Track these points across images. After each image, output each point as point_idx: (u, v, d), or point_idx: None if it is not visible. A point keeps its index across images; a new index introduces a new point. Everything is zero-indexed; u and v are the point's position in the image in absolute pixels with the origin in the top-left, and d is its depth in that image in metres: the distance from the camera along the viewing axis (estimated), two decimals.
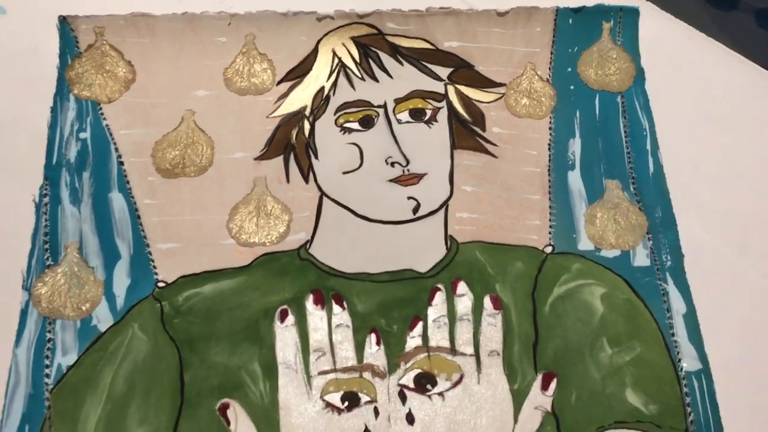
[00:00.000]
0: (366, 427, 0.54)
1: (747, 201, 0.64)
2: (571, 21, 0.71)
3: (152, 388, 0.55)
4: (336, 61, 0.68)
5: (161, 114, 0.66)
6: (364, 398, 0.55)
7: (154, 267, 0.60)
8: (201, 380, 0.55)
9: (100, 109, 0.66)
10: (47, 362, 0.56)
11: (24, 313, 0.57)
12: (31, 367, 0.55)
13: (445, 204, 0.63)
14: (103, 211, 0.61)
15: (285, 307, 0.58)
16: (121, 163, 0.63)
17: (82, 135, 0.64)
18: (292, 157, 0.65)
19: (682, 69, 0.70)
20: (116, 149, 0.64)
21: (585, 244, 0.62)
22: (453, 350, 0.57)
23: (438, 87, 0.67)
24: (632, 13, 0.71)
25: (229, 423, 0.54)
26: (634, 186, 0.64)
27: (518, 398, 0.56)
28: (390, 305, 0.59)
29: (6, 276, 0.58)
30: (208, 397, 0.55)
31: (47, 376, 0.55)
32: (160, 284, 0.59)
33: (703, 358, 0.57)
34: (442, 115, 0.66)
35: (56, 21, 0.68)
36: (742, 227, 0.63)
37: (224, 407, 0.55)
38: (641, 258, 0.61)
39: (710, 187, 0.65)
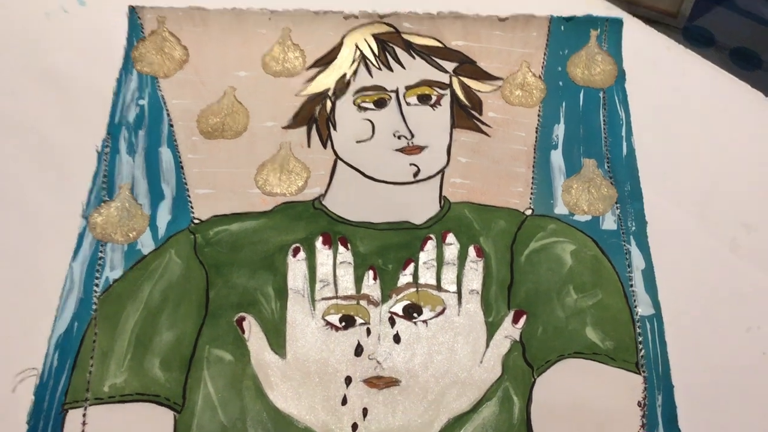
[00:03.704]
0: (359, 343, 0.63)
1: (708, 181, 0.73)
2: (563, 28, 0.82)
3: (182, 301, 0.65)
4: (358, 53, 0.79)
5: (208, 89, 0.78)
6: (359, 320, 0.64)
7: (192, 207, 0.71)
8: (223, 297, 0.66)
9: (158, 82, 0.78)
10: (97, 275, 0.66)
11: (81, 236, 0.68)
12: (83, 278, 0.66)
13: (441, 171, 0.73)
14: (153, 161, 0.73)
15: (298, 245, 0.68)
16: (171, 126, 0.75)
17: (140, 102, 0.77)
18: (314, 127, 0.76)
19: (659, 72, 0.80)
20: (168, 114, 0.76)
21: (561, 209, 0.71)
22: (439, 287, 0.66)
23: (444, 78, 0.78)
24: (617, 23, 0.82)
25: (243, 332, 0.64)
26: (608, 165, 0.74)
27: (491, 329, 0.64)
28: (387, 249, 0.68)
29: (69, 207, 0.70)
30: (228, 311, 0.65)
31: (96, 285, 0.66)
32: (195, 221, 0.70)
33: (656, 305, 0.65)
34: (446, 100, 0.77)
35: (126, 10, 0.82)
36: (702, 201, 0.71)
37: (241, 319, 0.65)
38: (609, 223, 0.70)
39: (676, 168, 0.73)
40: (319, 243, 0.68)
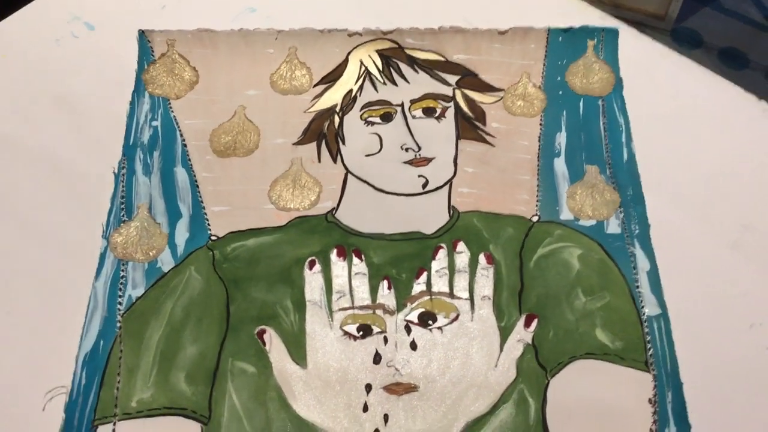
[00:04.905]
0: (377, 351, 0.66)
1: (707, 182, 0.75)
2: (560, 39, 0.84)
3: (204, 316, 0.67)
4: (363, 69, 0.82)
5: (218, 108, 0.80)
6: (376, 329, 0.67)
7: (209, 224, 0.73)
8: (243, 311, 0.68)
9: (169, 104, 0.80)
10: (120, 293, 0.68)
11: (103, 256, 0.70)
12: (106, 297, 0.68)
13: (449, 181, 0.76)
14: (169, 181, 0.75)
15: (313, 258, 0.70)
16: (185, 146, 0.77)
17: (154, 123, 0.79)
18: (323, 143, 0.78)
19: (655, 79, 0.82)
20: (181, 135, 0.78)
21: (566, 215, 0.73)
22: (451, 295, 0.68)
23: (447, 91, 0.81)
24: (613, 33, 0.85)
25: (264, 344, 0.66)
26: (610, 170, 0.76)
27: (504, 333, 0.66)
28: (400, 259, 0.70)
29: (90, 228, 0.72)
30: (248, 324, 0.67)
31: (120, 304, 0.68)
32: (213, 238, 0.72)
33: (662, 305, 0.68)
34: (450, 112, 0.79)
35: (136, 34, 0.84)
36: (703, 202, 0.74)
37: (261, 332, 0.67)
38: (613, 227, 0.72)
39: (676, 171, 0.76)
40: (333, 255, 0.70)
